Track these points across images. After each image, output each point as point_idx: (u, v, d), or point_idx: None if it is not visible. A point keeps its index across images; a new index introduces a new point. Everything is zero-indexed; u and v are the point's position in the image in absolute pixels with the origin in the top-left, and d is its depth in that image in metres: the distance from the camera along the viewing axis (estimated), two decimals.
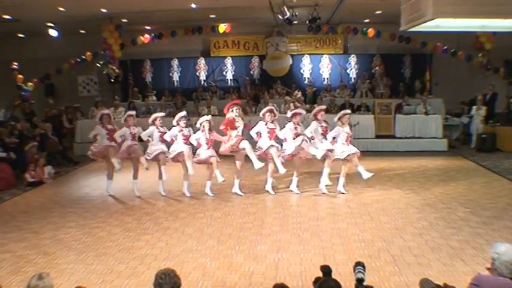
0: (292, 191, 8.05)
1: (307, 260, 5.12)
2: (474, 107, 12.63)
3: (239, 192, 8.00)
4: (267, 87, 14.80)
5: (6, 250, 5.60)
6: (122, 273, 4.83)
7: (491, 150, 11.67)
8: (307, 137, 7.88)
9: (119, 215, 7.03)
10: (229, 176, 8.42)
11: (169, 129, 8.00)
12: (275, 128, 7.94)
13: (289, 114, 8.11)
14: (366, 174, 7.88)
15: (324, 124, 7.99)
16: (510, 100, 12.41)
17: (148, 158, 7.95)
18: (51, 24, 13.12)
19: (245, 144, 7.82)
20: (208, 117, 8.02)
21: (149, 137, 8.03)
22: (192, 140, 7.89)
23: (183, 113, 8.23)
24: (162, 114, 8.56)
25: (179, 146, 7.86)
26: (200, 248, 5.52)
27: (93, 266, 5.05)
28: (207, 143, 7.80)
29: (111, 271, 4.90)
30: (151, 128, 8.04)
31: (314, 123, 7.94)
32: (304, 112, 8.51)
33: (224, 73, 15.92)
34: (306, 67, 15.75)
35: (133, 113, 8.49)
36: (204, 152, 7.79)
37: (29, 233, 6.25)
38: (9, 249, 5.65)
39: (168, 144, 8.06)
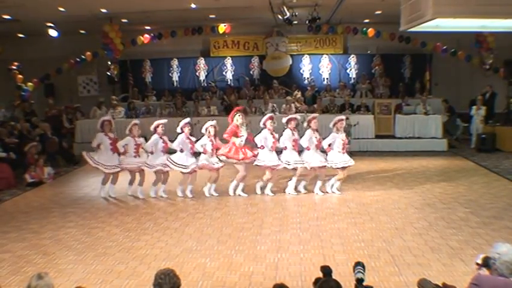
0: (290, 193, 7.99)
1: (307, 260, 5.12)
2: (474, 107, 12.62)
3: (242, 194, 7.98)
4: (266, 88, 14.78)
5: (6, 250, 5.60)
6: (121, 273, 4.83)
7: (491, 150, 11.69)
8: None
9: (118, 215, 7.03)
10: (230, 175, 8.41)
11: (175, 138, 7.90)
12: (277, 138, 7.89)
13: (284, 120, 7.98)
14: (332, 185, 8.00)
15: (317, 136, 7.88)
16: (510, 100, 12.42)
17: (150, 169, 7.89)
18: (51, 24, 13.12)
19: (241, 169, 7.83)
20: (214, 122, 7.92)
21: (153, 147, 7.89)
22: (198, 146, 7.79)
23: (188, 119, 8.03)
24: (165, 121, 8.20)
25: (188, 160, 7.75)
26: (200, 248, 5.52)
27: (93, 266, 5.05)
28: (212, 149, 7.78)
29: (111, 271, 4.90)
30: (155, 138, 7.87)
31: (309, 132, 7.84)
32: (299, 117, 8.45)
33: (224, 73, 15.91)
34: (305, 67, 15.74)
35: (137, 121, 8.33)
36: (210, 160, 7.77)
37: (29, 233, 6.25)
38: (9, 249, 5.65)
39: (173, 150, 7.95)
